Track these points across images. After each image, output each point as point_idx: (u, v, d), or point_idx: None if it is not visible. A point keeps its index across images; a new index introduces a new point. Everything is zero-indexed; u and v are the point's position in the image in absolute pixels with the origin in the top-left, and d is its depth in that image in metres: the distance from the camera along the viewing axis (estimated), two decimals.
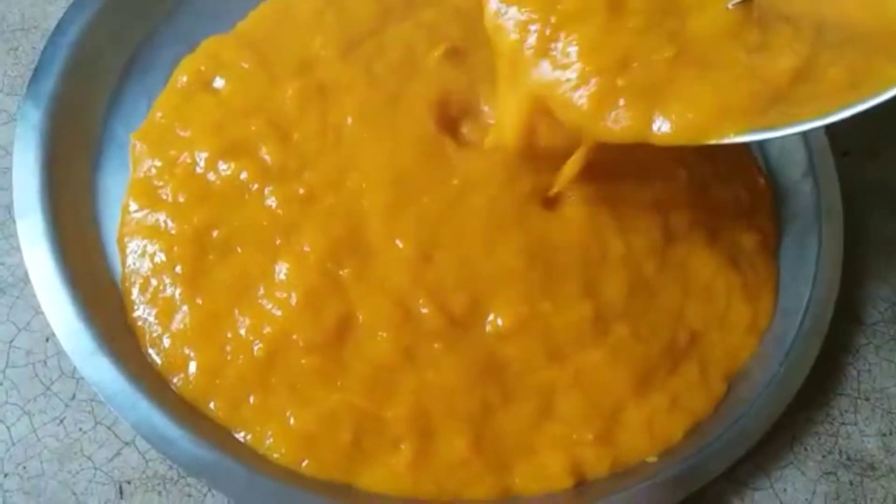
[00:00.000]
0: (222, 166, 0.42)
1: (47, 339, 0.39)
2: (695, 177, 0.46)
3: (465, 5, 0.48)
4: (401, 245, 0.41)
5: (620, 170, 0.44)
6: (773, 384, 0.42)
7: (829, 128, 0.50)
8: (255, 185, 0.42)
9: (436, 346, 0.39)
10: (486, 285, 0.41)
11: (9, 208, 0.41)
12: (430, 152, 0.43)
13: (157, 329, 0.39)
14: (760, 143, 0.50)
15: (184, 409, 0.38)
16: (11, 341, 0.39)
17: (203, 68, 0.45)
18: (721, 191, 0.47)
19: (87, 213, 0.42)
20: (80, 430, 0.38)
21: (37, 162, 0.40)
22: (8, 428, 0.38)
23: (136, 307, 0.40)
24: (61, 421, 0.38)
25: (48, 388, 0.39)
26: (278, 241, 0.40)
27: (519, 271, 0.41)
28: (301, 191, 0.42)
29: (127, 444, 0.38)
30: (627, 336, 0.41)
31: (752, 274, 0.45)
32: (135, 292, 0.40)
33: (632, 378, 0.41)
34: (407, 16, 0.48)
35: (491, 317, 0.40)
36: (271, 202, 0.41)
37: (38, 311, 0.39)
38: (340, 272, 0.40)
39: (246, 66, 0.45)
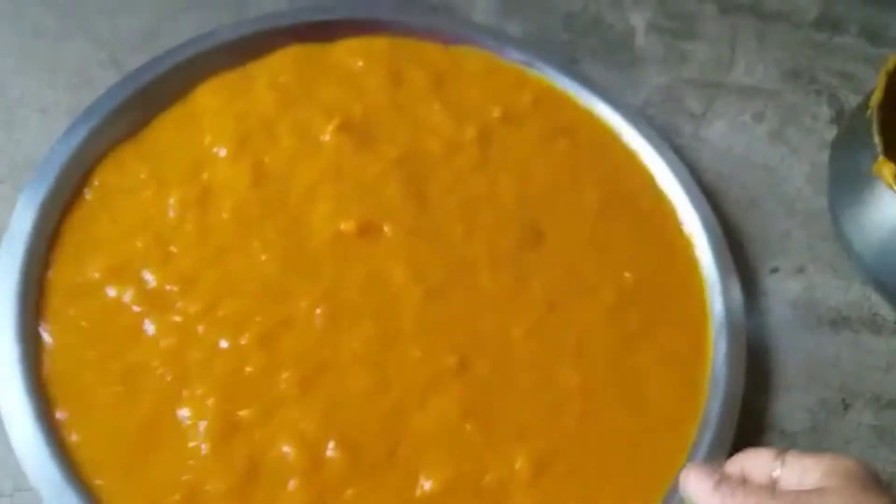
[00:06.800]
0: (110, 291, 0.41)
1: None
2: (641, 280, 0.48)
3: (367, 83, 0.49)
4: (285, 382, 0.40)
5: (570, 283, 0.46)
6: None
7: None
8: (139, 308, 0.41)
9: (349, 492, 0.38)
10: (408, 437, 0.40)
11: None
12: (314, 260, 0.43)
13: (97, 460, 0.38)
14: None
15: None
16: None
17: (108, 178, 0.45)
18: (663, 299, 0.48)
19: None
20: None
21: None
22: None
23: (73, 435, 0.38)
24: None
25: None
26: (169, 378, 0.39)
27: (450, 427, 0.40)
28: (177, 319, 0.41)
29: None
30: (564, 474, 0.41)
31: (687, 390, 0.46)
32: (68, 420, 0.38)
33: None
34: (306, 98, 0.48)
35: (420, 480, 0.39)
36: (150, 330, 0.40)
37: None
38: (240, 413, 0.39)
39: (143, 176, 0.45)
